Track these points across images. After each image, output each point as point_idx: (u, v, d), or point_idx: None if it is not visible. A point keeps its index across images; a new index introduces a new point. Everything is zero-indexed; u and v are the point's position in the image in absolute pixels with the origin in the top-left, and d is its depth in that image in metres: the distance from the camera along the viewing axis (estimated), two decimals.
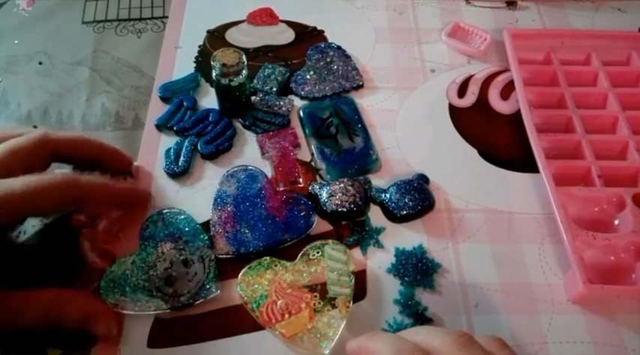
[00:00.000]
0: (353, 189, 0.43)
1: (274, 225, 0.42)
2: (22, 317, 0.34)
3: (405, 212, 0.42)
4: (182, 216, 0.42)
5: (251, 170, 0.45)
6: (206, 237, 0.41)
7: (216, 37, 0.57)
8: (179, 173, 0.45)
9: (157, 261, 0.40)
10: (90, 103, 0.51)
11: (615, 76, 0.51)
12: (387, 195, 0.43)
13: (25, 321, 0.34)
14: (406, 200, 0.43)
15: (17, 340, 0.35)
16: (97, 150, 0.42)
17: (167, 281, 0.39)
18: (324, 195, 0.43)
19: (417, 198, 0.43)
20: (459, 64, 0.55)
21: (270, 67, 0.53)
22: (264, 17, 0.58)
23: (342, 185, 0.43)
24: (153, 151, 0.47)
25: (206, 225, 0.42)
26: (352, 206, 0.42)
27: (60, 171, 0.41)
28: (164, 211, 0.43)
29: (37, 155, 0.38)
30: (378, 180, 0.45)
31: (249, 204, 0.43)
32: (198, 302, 0.38)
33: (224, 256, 0.41)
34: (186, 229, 0.42)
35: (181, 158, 0.46)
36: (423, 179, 0.45)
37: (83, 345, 0.37)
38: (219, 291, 0.39)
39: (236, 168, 0.45)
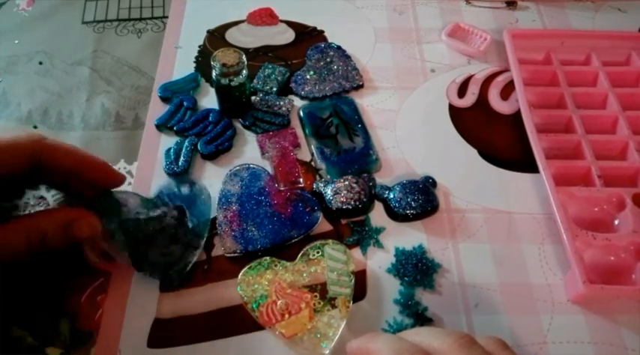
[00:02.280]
0: (358, 186, 0.43)
1: (280, 221, 0.42)
2: (7, 248, 0.33)
3: (406, 212, 0.42)
4: (207, 200, 0.42)
5: (254, 168, 0.45)
6: (205, 235, 0.41)
7: (216, 37, 0.57)
8: (179, 173, 0.45)
9: (157, 215, 0.39)
10: (90, 103, 0.51)
11: (615, 76, 0.51)
12: (392, 194, 0.43)
13: (9, 251, 0.33)
14: (409, 200, 0.43)
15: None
16: (87, 163, 0.37)
17: (145, 241, 0.38)
18: (328, 192, 0.43)
19: (420, 200, 0.43)
20: (459, 64, 0.55)
21: (270, 67, 0.53)
22: (264, 17, 0.58)
23: (346, 182, 0.43)
24: (153, 151, 0.47)
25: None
26: (357, 203, 0.42)
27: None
28: (197, 183, 0.42)
29: (21, 154, 0.34)
30: (378, 181, 0.45)
31: (254, 202, 0.43)
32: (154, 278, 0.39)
33: (232, 255, 0.41)
34: (201, 211, 0.41)
35: (181, 158, 0.46)
36: (429, 181, 0.45)
37: (83, 345, 0.37)
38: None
39: (238, 167, 0.46)
